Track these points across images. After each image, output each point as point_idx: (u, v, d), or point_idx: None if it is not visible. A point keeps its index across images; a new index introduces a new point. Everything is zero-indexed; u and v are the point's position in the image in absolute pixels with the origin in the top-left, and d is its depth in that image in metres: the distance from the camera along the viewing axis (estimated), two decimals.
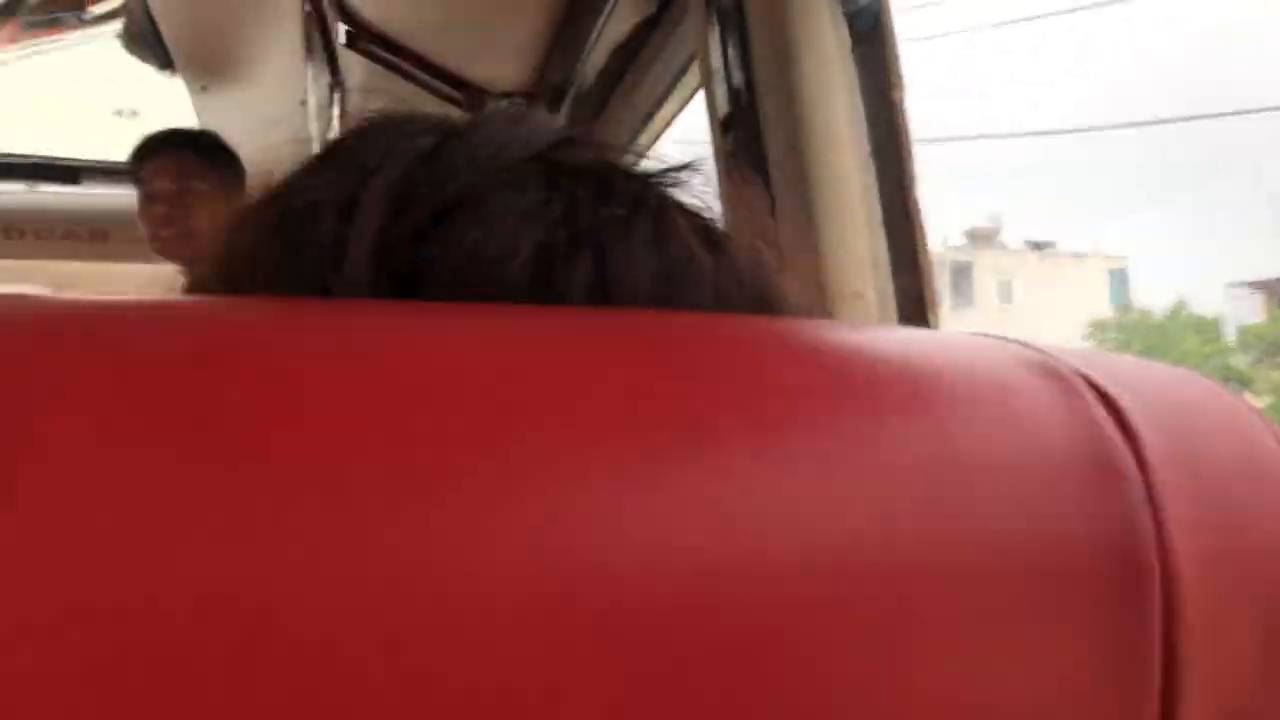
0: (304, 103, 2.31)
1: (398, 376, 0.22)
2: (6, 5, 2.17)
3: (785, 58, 0.79)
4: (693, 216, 0.32)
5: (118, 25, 2.27)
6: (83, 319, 0.22)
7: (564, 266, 0.28)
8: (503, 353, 0.24)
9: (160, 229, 1.91)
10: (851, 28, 0.80)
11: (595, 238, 0.29)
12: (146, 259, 3.08)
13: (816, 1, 0.79)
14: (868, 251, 0.75)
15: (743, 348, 0.26)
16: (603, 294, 0.29)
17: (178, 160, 1.93)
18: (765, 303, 0.33)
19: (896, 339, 0.30)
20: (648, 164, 0.34)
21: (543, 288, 0.28)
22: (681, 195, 0.33)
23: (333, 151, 0.32)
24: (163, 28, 1.99)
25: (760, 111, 0.81)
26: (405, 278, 0.28)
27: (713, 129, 0.90)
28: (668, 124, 1.31)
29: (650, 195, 0.32)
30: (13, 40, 2.34)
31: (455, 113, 1.09)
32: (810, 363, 0.26)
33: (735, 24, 0.82)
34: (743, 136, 0.83)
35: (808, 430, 0.24)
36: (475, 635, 0.20)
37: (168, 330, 0.22)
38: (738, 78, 0.84)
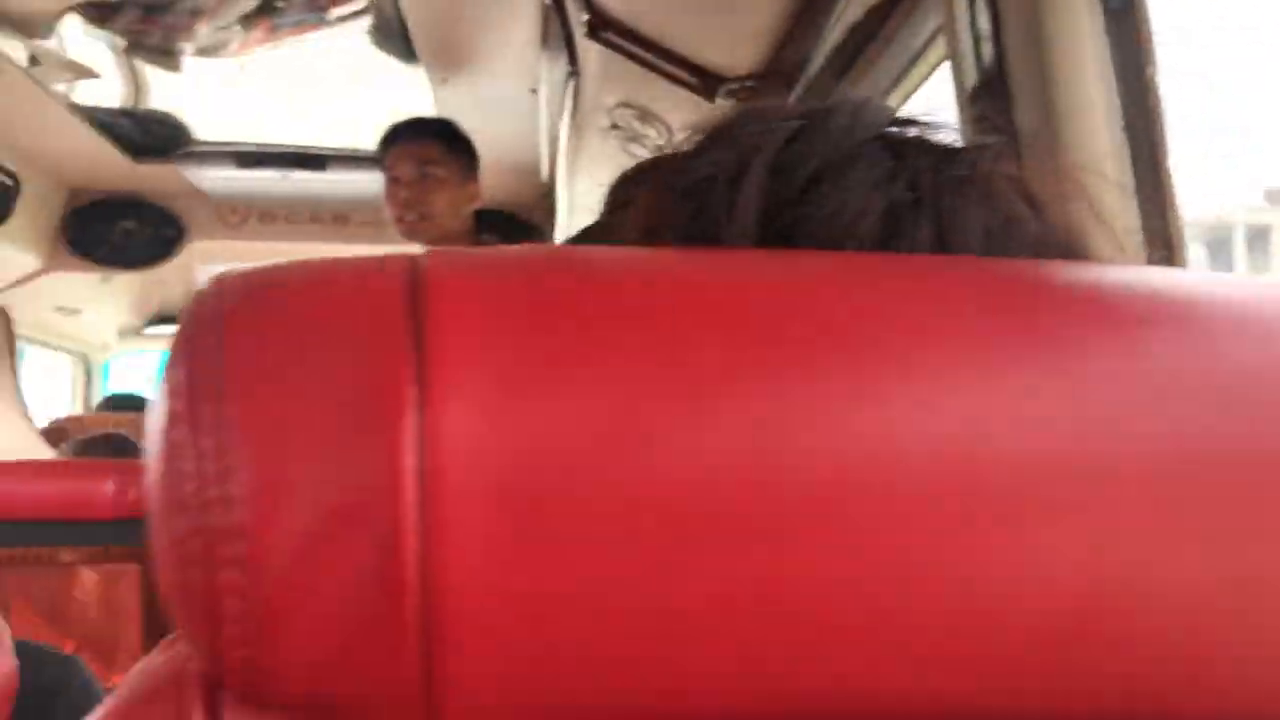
0: (535, 91, 2.43)
1: (797, 300, 0.28)
2: (258, 9, 2.36)
3: (1036, 34, 0.81)
4: (1016, 182, 0.38)
5: (362, 23, 2.44)
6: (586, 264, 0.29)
7: (910, 225, 0.35)
8: (870, 285, 0.29)
9: (403, 212, 2.05)
10: (1104, 4, 0.81)
11: (935, 201, 0.35)
12: (383, 241, 3.31)
13: None
14: (1121, 228, 0.75)
15: (1064, 282, 0.30)
16: (941, 248, 0.35)
17: (421, 147, 2.06)
18: (1077, 257, 0.38)
19: (1194, 278, 0.34)
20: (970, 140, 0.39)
21: (892, 243, 0.35)
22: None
23: (717, 135, 0.38)
24: (410, 22, 2.13)
25: (1010, 89, 0.83)
26: (781, 234, 0.35)
27: (960, 106, 0.92)
28: (900, 107, 1.33)
29: (979, 164, 0.37)
30: (264, 41, 2.53)
31: (688, 97, 1.15)
32: (1123, 293, 0.30)
33: (986, 2, 0.84)
34: (991, 113, 0.85)
35: (1106, 354, 0.28)
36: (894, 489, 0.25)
37: (636, 270, 0.28)
38: (988, 54, 0.86)
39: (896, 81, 1.28)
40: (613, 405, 0.26)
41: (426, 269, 0.27)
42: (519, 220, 3.27)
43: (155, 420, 0.26)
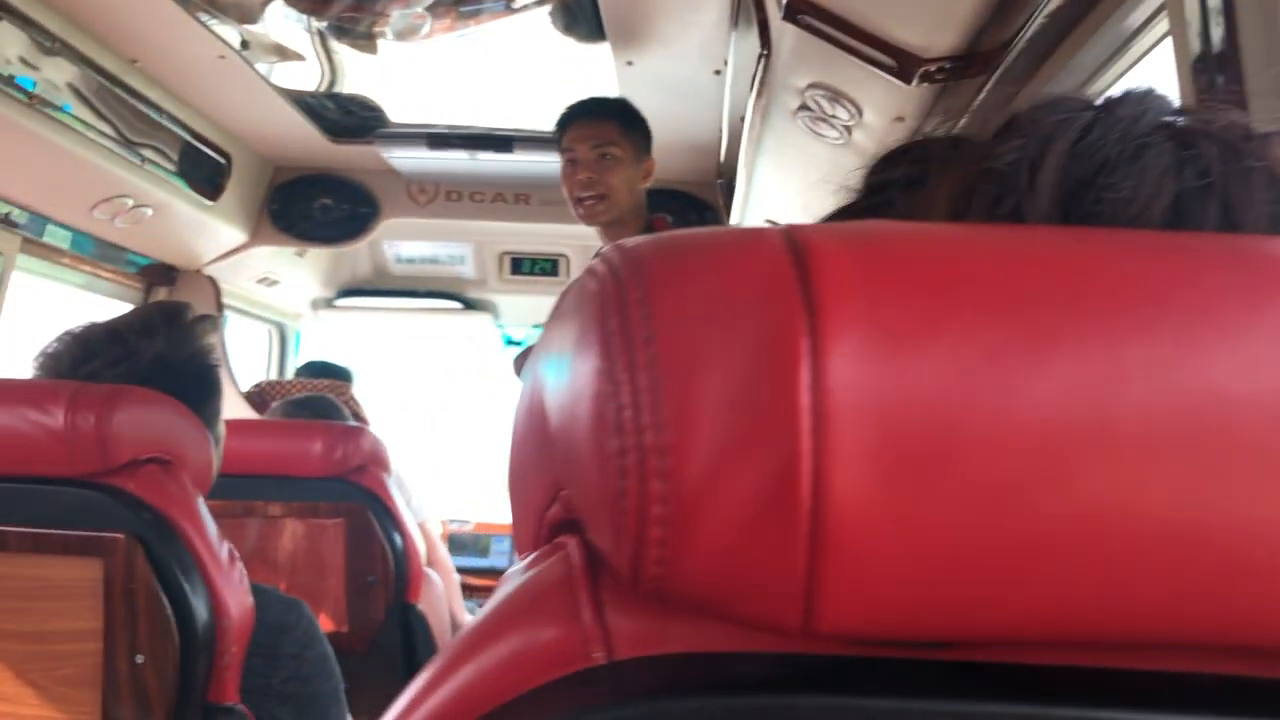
0: (719, 72, 2.47)
1: (1121, 268, 0.32)
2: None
3: (1274, 10, 0.80)
4: None
5: (547, 8, 2.52)
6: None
7: (1198, 210, 0.38)
8: (1181, 255, 0.33)
9: (581, 192, 2.11)
10: None
11: (1224, 187, 0.39)
12: (563, 220, 3.41)
13: None
14: None
15: None
16: (1229, 229, 0.38)
17: (598, 127, 2.12)
18: None
19: None
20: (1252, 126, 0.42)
21: (1181, 225, 0.38)
22: None
23: (1018, 124, 0.42)
24: (600, 5, 2.19)
25: (1242, 65, 0.82)
26: (1078, 216, 0.39)
27: (1182, 88, 0.92)
28: (1105, 92, 1.32)
29: (1264, 151, 0.40)
30: (452, 27, 2.63)
31: (883, 78, 1.17)
32: None
33: None
34: (1220, 96, 0.85)
35: None
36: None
37: (978, 241, 0.32)
38: (1217, 35, 0.85)
39: (1105, 64, 1.27)
40: (974, 356, 0.30)
41: (804, 240, 0.31)
42: (693, 200, 3.32)
43: (580, 361, 0.32)
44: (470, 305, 4.12)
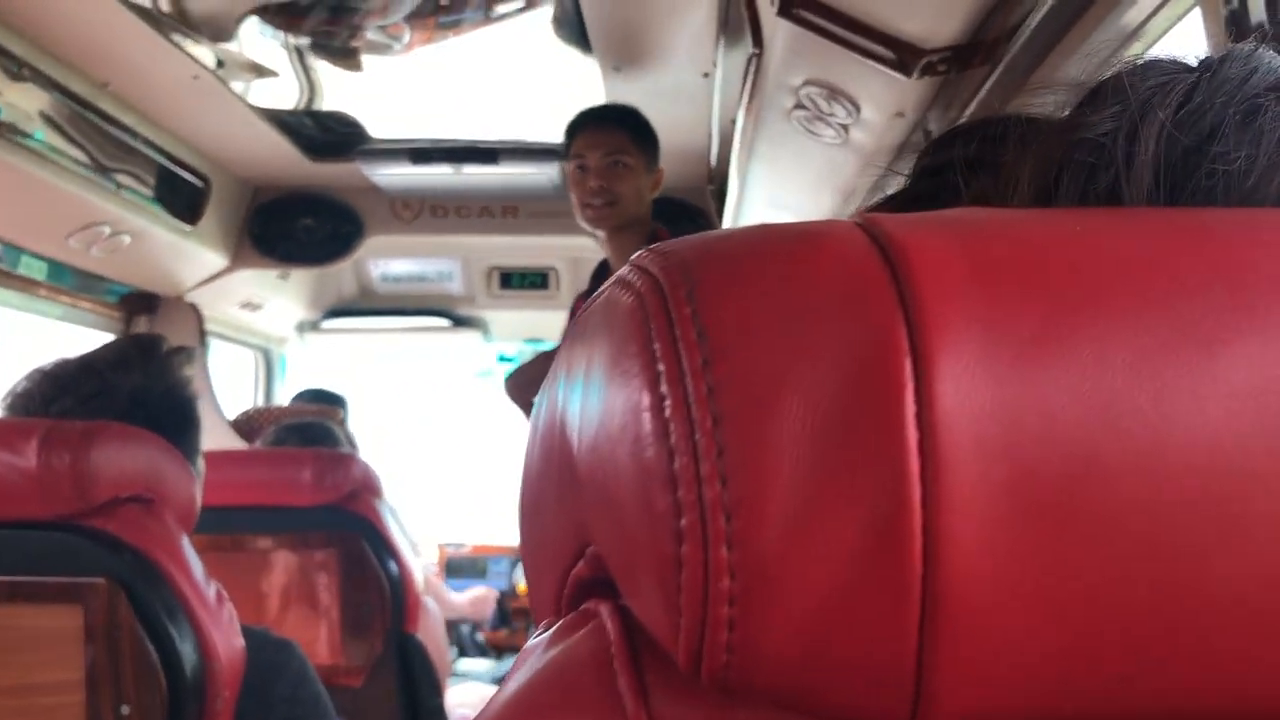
0: (707, 75, 2.41)
1: (1205, 251, 0.26)
2: (425, 8, 2.40)
3: None
4: None
5: (529, 17, 2.46)
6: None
7: None
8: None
9: (590, 198, 2.06)
10: None
11: None
12: (552, 232, 3.36)
13: None
14: None
15: None
16: None
17: (609, 135, 2.07)
18: None
19: None
20: None
21: None
22: None
23: (1107, 92, 0.37)
24: (585, 13, 2.13)
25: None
26: (1189, 187, 0.33)
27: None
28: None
29: None
30: (430, 39, 2.57)
31: (882, 72, 1.10)
32: None
33: None
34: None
35: None
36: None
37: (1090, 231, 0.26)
38: (1256, 17, 0.80)
39: (1120, 49, 1.21)
40: (1120, 369, 0.23)
41: (891, 233, 0.25)
42: (684, 206, 3.26)
43: (617, 393, 0.25)
44: (459, 322, 4.05)
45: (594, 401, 0.27)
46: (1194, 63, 0.38)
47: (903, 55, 1.47)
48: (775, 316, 0.24)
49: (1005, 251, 0.25)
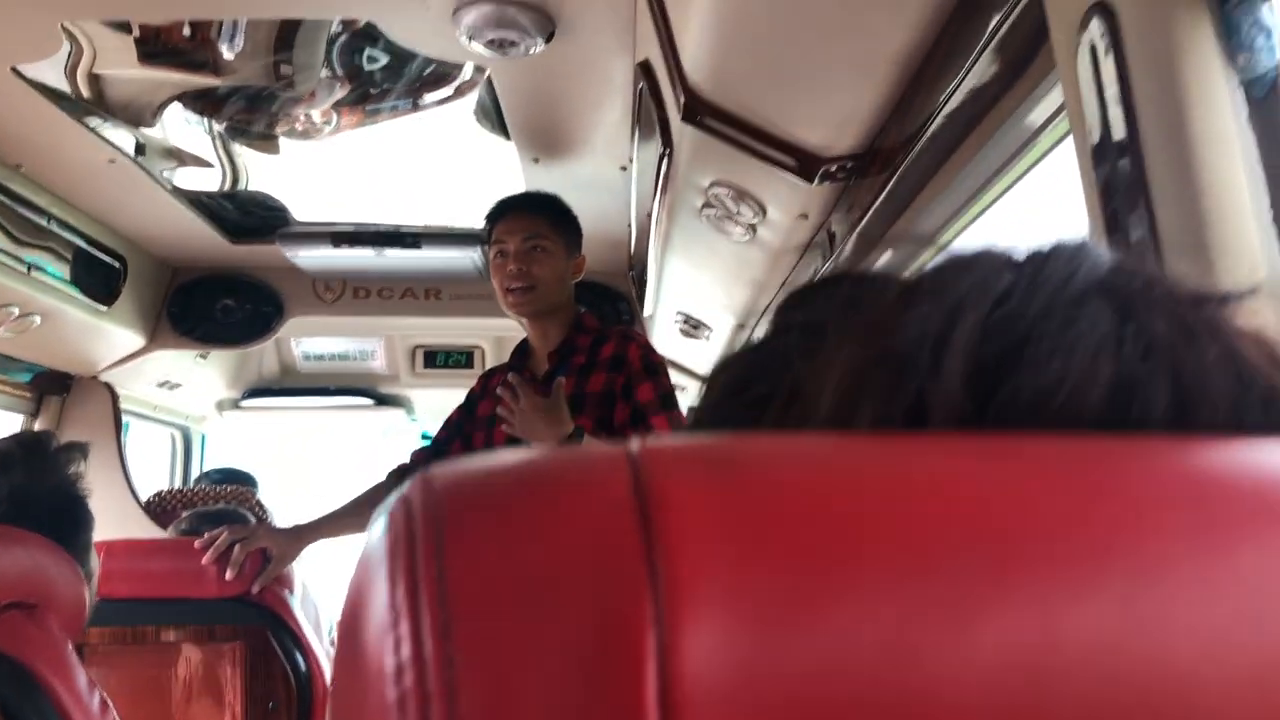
0: (625, 168, 2.45)
1: (976, 501, 0.26)
2: (352, 96, 2.41)
3: (1174, 125, 0.78)
4: (1258, 339, 0.34)
5: (453, 107, 2.48)
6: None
7: (1144, 397, 0.31)
8: (1078, 478, 0.27)
9: (510, 283, 2.07)
10: (1248, 93, 0.78)
11: (1174, 369, 0.32)
12: (475, 314, 3.35)
13: (1207, 66, 0.77)
14: (1274, 329, 0.72)
15: None
16: (1181, 418, 0.31)
17: (530, 221, 2.09)
18: None
19: None
20: (1201, 287, 0.36)
21: (1123, 412, 0.31)
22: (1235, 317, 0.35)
23: (921, 289, 0.35)
24: (503, 105, 2.16)
25: (1148, 182, 0.80)
26: (992, 400, 0.32)
27: (1086, 196, 0.89)
28: (1003, 192, 1.31)
29: (1218, 320, 0.34)
30: (356, 125, 2.58)
31: (785, 176, 1.11)
32: None
33: (1118, 92, 0.81)
34: (1126, 206, 0.82)
35: None
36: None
37: (870, 471, 0.26)
38: (1120, 147, 0.83)
39: (1009, 161, 1.26)
40: (865, 643, 0.23)
41: (651, 482, 0.25)
42: (606, 291, 3.28)
43: (361, 636, 0.25)
44: (382, 401, 4.01)
45: (350, 642, 0.26)
46: (1020, 257, 0.36)
47: (804, 162, 1.51)
48: (521, 581, 0.24)
49: (768, 505, 0.25)
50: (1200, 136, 0.77)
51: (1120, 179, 0.83)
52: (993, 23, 1.05)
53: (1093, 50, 0.85)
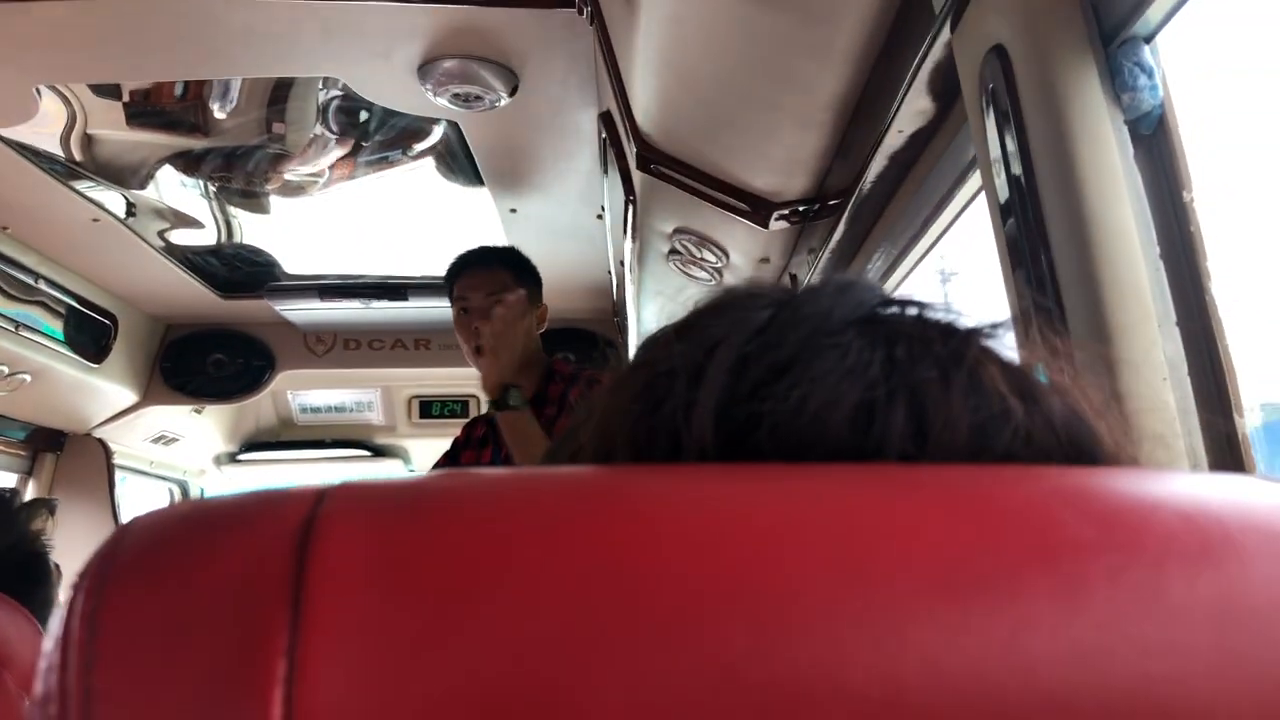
0: (600, 216, 2.48)
1: (732, 533, 0.27)
2: (351, 151, 2.45)
3: (1065, 162, 0.79)
4: (1006, 368, 0.35)
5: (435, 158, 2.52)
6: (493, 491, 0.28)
7: (882, 419, 0.32)
8: (822, 507, 0.28)
9: (475, 339, 2.07)
10: (1133, 131, 0.79)
11: (912, 392, 0.33)
12: (464, 364, 3.36)
13: (1094, 105, 0.79)
14: (1163, 357, 0.73)
15: (1037, 501, 0.28)
16: (919, 444, 0.32)
17: (489, 276, 2.10)
18: (1079, 447, 0.35)
19: (1186, 486, 0.31)
20: (960, 318, 0.37)
21: (862, 438, 0.32)
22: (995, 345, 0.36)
23: (688, 326, 0.36)
24: (476, 157, 2.19)
25: (1043, 217, 0.81)
26: (742, 432, 0.32)
27: (995, 231, 0.91)
28: (948, 227, 1.32)
29: (966, 350, 0.35)
30: (344, 178, 2.62)
31: (743, 222, 1.12)
32: (1101, 515, 0.28)
33: (1014, 130, 0.83)
34: (1025, 237, 0.83)
35: (1097, 580, 0.26)
36: None
37: (546, 507, 0.27)
38: (1018, 182, 0.85)
39: (942, 202, 1.27)
40: (492, 678, 0.24)
41: (321, 521, 0.26)
42: (593, 336, 3.30)
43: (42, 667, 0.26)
44: (379, 452, 4.02)
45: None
46: (786, 295, 0.37)
47: (756, 207, 1.53)
48: (169, 617, 0.25)
49: (424, 541, 0.25)
50: (1090, 174, 0.78)
51: (1020, 216, 0.84)
52: (913, 66, 1.07)
53: (992, 92, 0.87)
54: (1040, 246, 0.82)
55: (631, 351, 2.85)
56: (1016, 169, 0.85)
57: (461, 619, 0.25)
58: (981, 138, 0.91)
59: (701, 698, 0.24)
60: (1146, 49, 0.79)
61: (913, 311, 0.37)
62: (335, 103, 2.06)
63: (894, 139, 1.23)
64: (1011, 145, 0.85)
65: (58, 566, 1.45)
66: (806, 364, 0.33)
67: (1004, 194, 0.88)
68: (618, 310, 3.06)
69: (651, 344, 0.38)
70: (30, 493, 3.07)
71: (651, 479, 0.29)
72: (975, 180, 1.26)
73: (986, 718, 0.24)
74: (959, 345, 0.35)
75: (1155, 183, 0.80)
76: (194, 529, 0.27)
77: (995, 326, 0.37)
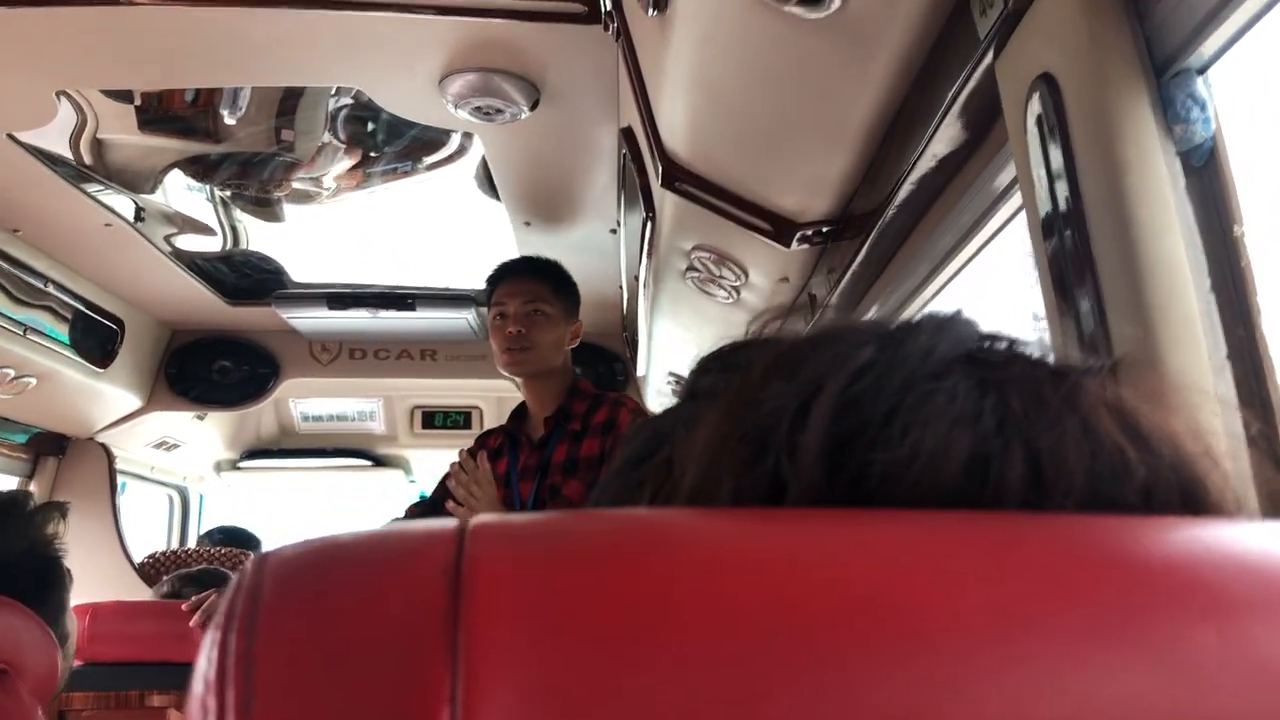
0: (614, 230, 2.48)
1: (897, 578, 0.26)
2: (361, 161, 2.45)
3: (1115, 193, 0.79)
4: (1122, 414, 0.34)
5: (450, 170, 2.52)
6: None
7: (999, 468, 0.31)
8: (929, 558, 0.27)
9: (509, 344, 2.08)
10: (1185, 163, 0.79)
11: (1028, 440, 0.32)
12: (470, 375, 3.37)
13: (1146, 136, 0.79)
14: (1213, 391, 0.73)
15: (1195, 552, 0.28)
16: (1037, 493, 0.31)
17: (531, 284, 2.11)
18: (1190, 495, 0.34)
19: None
20: (1066, 359, 0.36)
21: (978, 487, 0.31)
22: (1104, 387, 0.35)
23: (786, 362, 0.35)
24: (493, 171, 2.19)
25: (1091, 248, 0.81)
26: (852, 475, 0.31)
27: (1037, 258, 0.90)
28: (977, 252, 1.32)
29: (1078, 395, 0.34)
30: (355, 188, 2.62)
31: (763, 241, 1.11)
32: (1254, 568, 0.28)
33: (1062, 159, 0.83)
34: (1072, 267, 0.83)
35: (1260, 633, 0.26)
36: None
37: (692, 555, 0.26)
38: (1065, 213, 0.84)
39: (971, 230, 1.27)
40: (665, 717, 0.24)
41: (470, 556, 0.26)
42: (601, 352, 3.30)
43: (188, 707, 0.26)
44: (380, 462, 4.01)
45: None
46: (891, 328, 0.36)
47: (779, 227, 1.52)
48: (327, 658, 0.24)
49: (577, 583, 0.25)
50: (1140, 205, 0.78)
51: (1067, 246, 0.84)
52: (952, 90, 1.07)
53: (1039, 120, 0.87)
54: (1088, 276, 0.81)
55: (640, 367, 2.85)
56: (1063, 199, 0.85)
57: (628, 666, 0.24)
58: (1025, 166, 0.90)
59: None
60: (1199, 81, 0.79)
61: (1003, 346, 0.36)
62: (345, 112, 2.06)
63: (924, 164, 1.23)
64: (1059, 174, 0.85)
65: (69, 571, 1.43)
66: (914, 409, 0.32)
67: (1049, 224, 0.88)
68: (627, 326, 3.06)
69: (748, 383, 0.38)
70: None
71: (797, 523, 0.29)
72: (1004, 210, 1.26)
73: None
74: (1071, 390, 0.34)
75: (1206, 216, 0.79)
76: (341, 566, 0.26)
77: (1103, 367, 0.37)
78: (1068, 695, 0.24)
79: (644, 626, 0.24)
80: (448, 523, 0.27)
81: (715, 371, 0.43)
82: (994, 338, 0.36)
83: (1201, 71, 0.79)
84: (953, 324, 0.36)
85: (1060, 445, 0.32)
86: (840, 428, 0.32)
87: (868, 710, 0.24)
